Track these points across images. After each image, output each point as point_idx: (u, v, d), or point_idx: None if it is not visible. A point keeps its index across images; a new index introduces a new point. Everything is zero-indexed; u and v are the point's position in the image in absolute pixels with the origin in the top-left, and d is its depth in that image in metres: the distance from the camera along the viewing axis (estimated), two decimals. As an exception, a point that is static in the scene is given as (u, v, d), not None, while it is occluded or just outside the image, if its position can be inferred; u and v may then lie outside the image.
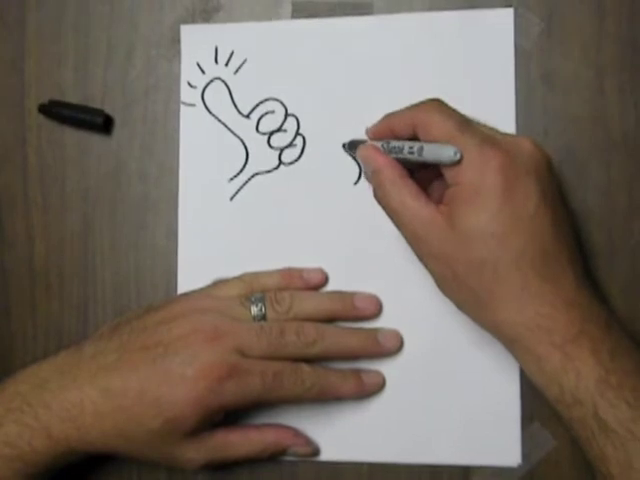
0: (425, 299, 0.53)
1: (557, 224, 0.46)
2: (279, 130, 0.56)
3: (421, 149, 0.47)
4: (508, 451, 0.52)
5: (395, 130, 0.49)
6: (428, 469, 0.53)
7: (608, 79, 0.53)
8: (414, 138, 0.48)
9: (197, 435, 0.48)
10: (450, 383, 0.53)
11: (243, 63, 0.56)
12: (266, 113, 0.56)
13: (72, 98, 0.57)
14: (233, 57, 0.56)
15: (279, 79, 0.56)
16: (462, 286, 0.47)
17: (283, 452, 0.52)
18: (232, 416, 0.51)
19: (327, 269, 0.54)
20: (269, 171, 0.56)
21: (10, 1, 0.58)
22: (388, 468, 0.53)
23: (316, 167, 0.55)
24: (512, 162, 0.45)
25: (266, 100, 0.56)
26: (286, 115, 0.56)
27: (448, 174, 0.46)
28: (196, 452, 0.49)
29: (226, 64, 0.56)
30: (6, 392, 0.48)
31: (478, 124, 0.48)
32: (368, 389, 0.53)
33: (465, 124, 0.47)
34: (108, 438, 0.48)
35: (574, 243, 0.47)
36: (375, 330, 0.53)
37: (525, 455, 0.52)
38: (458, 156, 0.45)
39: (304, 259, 0.54)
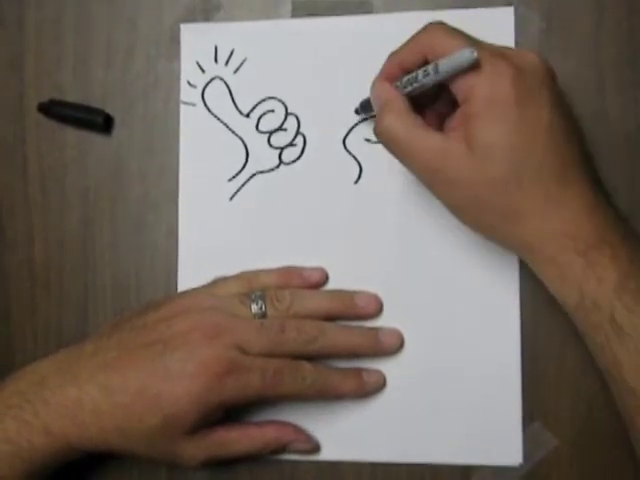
0: (426, 298, 0.53)
1: (570, 132, 0.46)
2: (279, 129, 0.56)
3: (436, 66, 0.46)
4: (509, 451, 0.52)
5: (404, 64, 0.48)
6: (429, 468, 0.52)
7: (608, 77, 0.53)
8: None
9: (197, 432, 0.48)
10: (451, 382, 0.52)
11: (243, 62, 0.56)
12: (266, 112, 0.56)
13: (72, 97, 0.57)
14: (233, 56, 0.56)
15: (279, 78, 0.56)
16: (484, 208, 0.46)
17: (284, 449, 0.52)
18: (233, 414, 0.51)
19: (327, 268, 0.54)
20: (269, 170, 0.55)
21: (10, 0, 0.58)
22: (389, 468, 0.53)
23: (316, 166, 0.55)
24: (523, 74, 0.45)
25: (266, 99, 0.56)
26: (286, 114, 0.56)
27: (461, 88, 0.46)
28: (196, 449, 0.49)
29: (226, 63, 0.56)
30: (6, 390, 0.48)
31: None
32: (369, 388, 0.52)
33: (472, 39, 0.46)
34: (107, 435, 0.47)
35: (586, 151, 0.48)
36: (376, 329, 0.53)
37: (526, 455, 0.52)
38: (475, 54, 0.44)
39: (304, 258, 0.54)
